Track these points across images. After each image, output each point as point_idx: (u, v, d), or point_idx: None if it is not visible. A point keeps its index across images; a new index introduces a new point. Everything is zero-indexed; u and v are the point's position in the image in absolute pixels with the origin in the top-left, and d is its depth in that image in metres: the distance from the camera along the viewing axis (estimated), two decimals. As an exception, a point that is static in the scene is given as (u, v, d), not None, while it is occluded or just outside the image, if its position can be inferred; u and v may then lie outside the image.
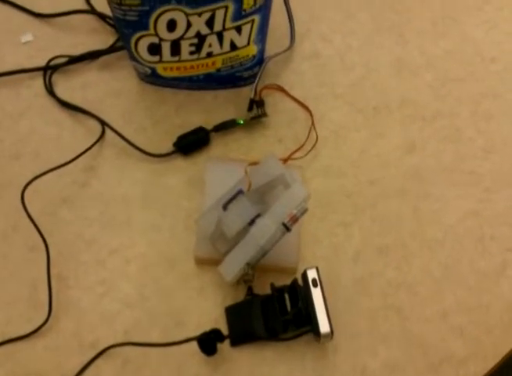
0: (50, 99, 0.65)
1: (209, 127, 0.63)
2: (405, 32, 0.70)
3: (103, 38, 0.69)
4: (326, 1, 0.71)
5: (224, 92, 0.66)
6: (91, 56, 0.67)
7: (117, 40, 0.68)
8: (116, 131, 0.62)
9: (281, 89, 0.66)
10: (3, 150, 0.63)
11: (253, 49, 0.61)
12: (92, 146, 0.62)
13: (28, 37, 0.69)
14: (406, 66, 0.68)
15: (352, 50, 0.69)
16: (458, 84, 0.67)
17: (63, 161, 0.59)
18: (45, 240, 0.56)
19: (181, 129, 0.63)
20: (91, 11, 0.69)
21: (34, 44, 0.69)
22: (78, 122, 0.64)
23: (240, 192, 0.54)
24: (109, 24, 0.69)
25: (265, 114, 0.64)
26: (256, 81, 0.64)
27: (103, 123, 0.63)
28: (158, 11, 0.53)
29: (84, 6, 0.70)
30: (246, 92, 0.65)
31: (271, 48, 0.65)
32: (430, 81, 0.67)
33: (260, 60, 0.64)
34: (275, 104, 0.66)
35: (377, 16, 0.71)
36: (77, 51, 0.67)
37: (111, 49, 0.67)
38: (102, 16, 0.69)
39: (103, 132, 0.63)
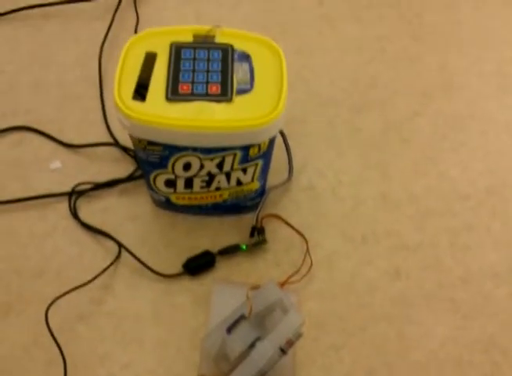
0: (73, 221, 0.72)
1: (215, 249, 0.70)
2: (389, 170, 0.78)
3: (124, 167, 0.76)
4: (320, 142, 0.80)
5: (229, 218, 0.74)
6: (113, 183, 0.75)
7: (136, 170, 0.76)
8: (131, 253, 0.69)
9: (279, 218, 0.74)
10: (29, 267, 0.69)
11: (256, 185, 0.69)
12: (109, 266, 0.68)
13: (57, 164, 0.77)
14: (390, 199, 0.75)
15: (343, 184, 0.77)
16: (437, 217, 0.74)
17: (82, 279, 0.65)
18: (63, 356, 0.61)
19: (190, 251, 0.70)
20: (115, 144, 0.79)
21: (62, 171, 0.76)
22: (98, 243, 0.71)
23: (242, 317, 0.60)
24: (130, 155, 0.78)
25: (264, 241, 0.71)
26: (258, 211, 0.72)
27: (120, 245, 0.70)
28: (176, 156, 0.61)
29: (108, 139, 0.79)
30: (249, 219, 0.72)
31: (272, 180, 0.73)
32: (412, 214, 0.74)
33: (262, 192, 0.72)
34: (275, 231, 0.73)
35: (365, 155, 0.79)
36: (100, 178, 0.75)
37: (130, 178, 0.76)
38: (124, 149, 0.78)
39: (119, 253, 0.70)
